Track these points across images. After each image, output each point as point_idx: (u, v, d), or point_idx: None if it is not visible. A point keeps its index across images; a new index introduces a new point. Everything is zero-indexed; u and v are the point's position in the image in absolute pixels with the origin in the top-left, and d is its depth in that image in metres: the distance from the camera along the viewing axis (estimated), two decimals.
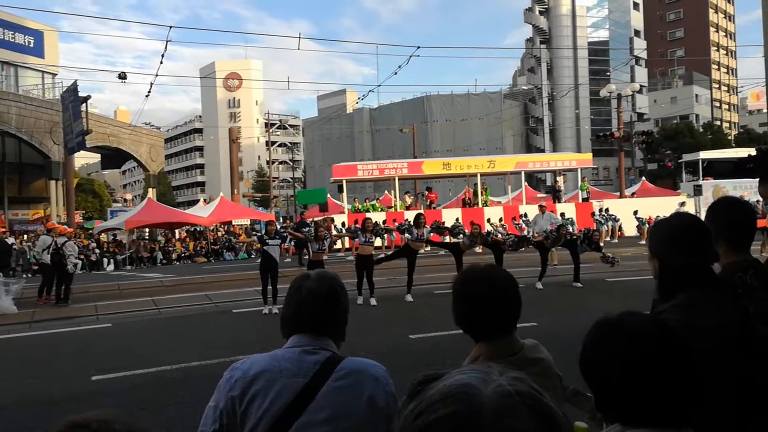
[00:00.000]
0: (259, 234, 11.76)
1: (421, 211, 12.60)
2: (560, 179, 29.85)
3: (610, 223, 25.33)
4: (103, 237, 30.31)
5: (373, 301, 11.01)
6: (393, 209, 27.89)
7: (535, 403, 0.62)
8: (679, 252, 1.69)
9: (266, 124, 54.65)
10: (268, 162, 51.66)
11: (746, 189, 25.33)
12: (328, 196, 31.85)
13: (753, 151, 1.83)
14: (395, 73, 19.75)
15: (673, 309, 1.65)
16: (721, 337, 1.58)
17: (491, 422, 0.58)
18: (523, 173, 29.69)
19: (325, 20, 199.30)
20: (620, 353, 1.15)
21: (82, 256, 22.49)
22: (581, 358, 1.22)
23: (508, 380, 0.63)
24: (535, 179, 50.77)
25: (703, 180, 31.69)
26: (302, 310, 1.73)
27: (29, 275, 21.84)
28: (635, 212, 25.05)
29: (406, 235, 11.70)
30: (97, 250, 26.51)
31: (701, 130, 59.30)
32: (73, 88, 28.94)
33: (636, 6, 70.00)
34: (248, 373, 1.67)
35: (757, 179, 2.57)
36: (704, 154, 35.86)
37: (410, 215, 25.69)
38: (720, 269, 1.85)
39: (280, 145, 79.97)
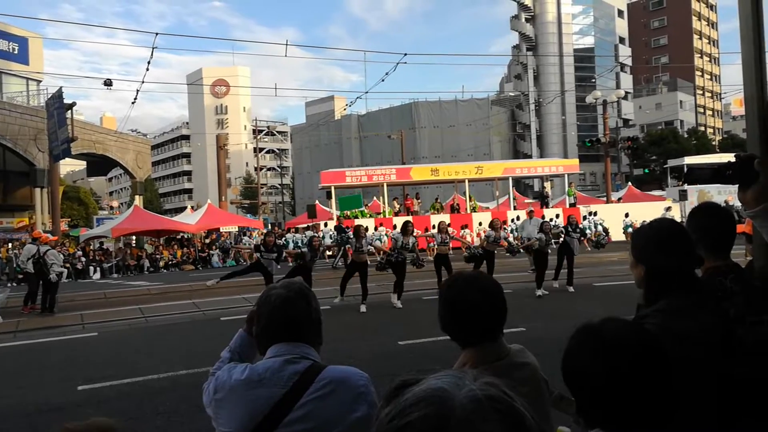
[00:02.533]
0: (256, 243, 11.67)
1: (409, 219, 12.66)
2: (547, 185, 30.09)
3: (598, 227, 25.55)
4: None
5: (362, 308, 11.03)
6: (381, 215, 27.92)
7: (505, 407, 0.63)
8: (667, 256, 1.71)
9: (254, 131, 54.51)
10: (256, 168, 51.54)
11: (730, 194, 25.67)
12: (317, 202, 31.86)
13: (732, 158, 1.86)
14: (383, 80, 19.96)
15: (655, 314, 1.67)
16: (702, 341, 1.61)
17: (460, 425, 0.60)
18: (510, 179, 29.87)
19: (312, 28, 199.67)
20: (599, 359, 1.17)
21: (67, 265, 22.28)
22: (563, 363, 1.24)
23: (480, 385, 0.65)
24: (522, 185, 51.06)
25: (690, 186, 32.04)
26: (276, 317, 1.72)
27: (14, 284, 21.58)
28: (626, 214, 25.26)
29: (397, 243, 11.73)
30: (83, 259, 26.26)
31: (686, 135, 60.04)
32: (58, 95, 28.72)
33: (621, 13, 70.79)
34: (228, 381, 1.69)
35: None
36: (689, 160, 36.28)
37: (399, 221, 25.79)
38: (701, 274, 1.88)
39: (268, 152, 79.77)
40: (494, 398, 0.64)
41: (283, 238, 27.35)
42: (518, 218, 22.40)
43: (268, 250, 10.73)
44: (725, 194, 26.75)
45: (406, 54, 17.43)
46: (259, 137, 53.31)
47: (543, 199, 29.04)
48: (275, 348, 1.71)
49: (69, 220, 43.40)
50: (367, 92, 36.17)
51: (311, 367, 1.67)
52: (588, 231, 25.29)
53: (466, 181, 28.53)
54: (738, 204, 1.82)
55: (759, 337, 1.72)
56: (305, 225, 29.59)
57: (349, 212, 27.56)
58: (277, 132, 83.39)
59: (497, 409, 0.63)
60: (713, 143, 63.05)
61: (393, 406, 0.66)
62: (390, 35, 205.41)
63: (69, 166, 69.90)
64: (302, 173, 63.88)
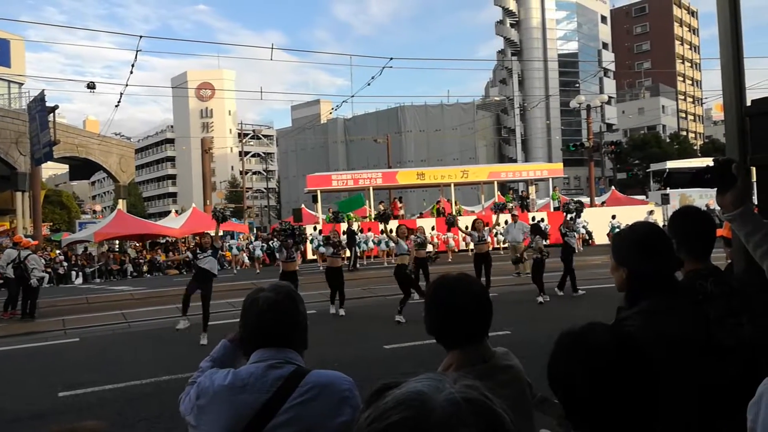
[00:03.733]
0: (193, 249, 10.64)
1: (399, 224, 12.13)
2: (531, 189, 30.29)
3: (580, 229, 25.77)
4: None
5: (341, 312, 11.00)
6: (368, 219, 27.88)
7: (484, 410, 0.64)
8: (647, 259, 1.74)
9: (239, 134, 54.19)
10: (241, 172, 51.28)
11: (711, 198, 26.02)
12: (302, 206, 31.75)
13: (711, 162, 1.89)
14: (369, 84, 19.86)
15: (635, 316, 1.69)
16: (681, 343, 1.63)
17: (439, 428, 0.61)
18: (495, 183, 30.01)
19: (298, 32, 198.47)
20: (584, 365, 1.17)
21: (49, 269, 21.97)
22: (548, 370, 1.24)
23: (460, 388, 0.66)
24: (508, 189, 51.38)
25: (671, 190, 32.40)
26: (263, 320, 1.70)
27: None
28: (613, 216, 25.41)
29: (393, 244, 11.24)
30: (65, 263, 25.92)
31: (668, 140, 60.80)
32: (41, 98, 28.39)
33: (604, 19, 71.65)
34: (210, 388, 1.67)
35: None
36: (671, 164, 36.71)
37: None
38: (682, 277, 1.90)
39: (253, 156, 79.44)
40: (473, 401, 0.64)
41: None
42: (506, 222, 22.52)
43: (203, 249, 9.94)
44: (706, 198, 27.12)
45: (392, 58, 17.51)
46: (244, 141, 53.03)
47: (523, 203, 29.18)
48: (259, 353, 1.69)
49: (51, 224, 42.80)
50: (353, 96, 36.09)
51: (295, 371, 1.66)
52: (575, 235, 25.59)
53: (452, 185, 28.61)
54: (718, 208, 1.85)
55: (738, 339, 1.75)
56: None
57: (331, 216, 27.45)
58: (263, 136, 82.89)
59: (476, 412, 0.63)
60: (695, 148, 63.90)
61: (373, 409, 0.66)
62: (376, 40, 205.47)
63: (51, 170, 68.99)
64: (288, 177, 63.69)
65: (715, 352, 1.68)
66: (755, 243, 1.76)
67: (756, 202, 2.54)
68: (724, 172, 1.78)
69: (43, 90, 28.44)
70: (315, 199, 28.16)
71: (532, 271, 11.93)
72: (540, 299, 11.27)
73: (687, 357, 1.62)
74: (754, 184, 2.27)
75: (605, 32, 71.50)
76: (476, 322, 1.70)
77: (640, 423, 1.16)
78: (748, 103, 2.35)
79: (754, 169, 2.34)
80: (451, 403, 0.63)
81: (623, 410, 1.15)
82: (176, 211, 42.73)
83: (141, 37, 15.08)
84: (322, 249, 22.64)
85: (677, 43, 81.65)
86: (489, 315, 1.73)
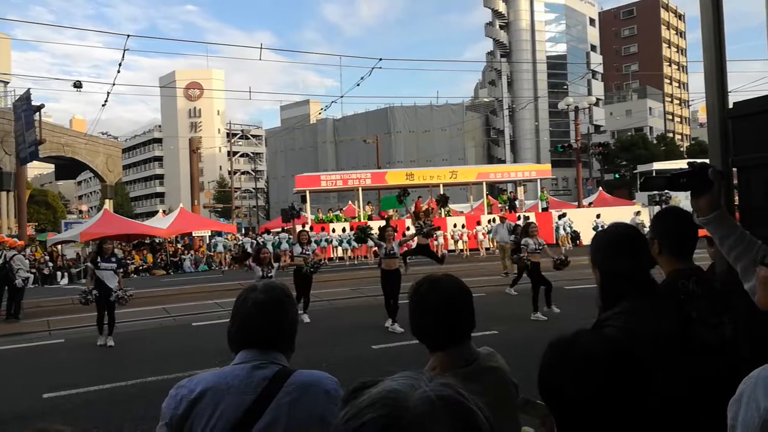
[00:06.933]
0: (92, 255, 9.04)
1: (386, 224, 10.79)
2: (520, 189, 30.45)
3: (567, 230, 25.99)
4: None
5: (306, 319, 10.37)
6: (356, 219, 27.89)
7: (457, 407, 0.66)
8: (618, 260, 1.76)
9: (228, 134, 53.93)
10: (229, 172, 51.04)
11: None
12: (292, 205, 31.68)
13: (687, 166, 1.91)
14: (358, 84, 19.83)
15: (615, 317, 1.71)
16: (660, 342, 1.64)
17: (413, 425, 0.63)
18: (484, 184, 30.13)
19: (287, 33, 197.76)
20: (576, 372, 1.15)
21: (33, 270, 21.76)
22: (539, 378, 1.21)
23: (435, 386, 0.67)
24: (496, 189, 51.58)
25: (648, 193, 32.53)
26: (249, 322, 1.69)
27: None
28: (598, 216, 25.56)
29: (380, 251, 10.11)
30: (50, 264, 25.67)
31: (655, 141, 61.30)
32: (26, 97, 28.12)
33: (592, 22, 72.14)
34: (194, 391, 1.62)
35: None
36: (658, 165, 37.01)
37: (373, 225, 25.74)
38: (664, 277, 1.92)
39: (242, 156, 79.08)
40: (447, 399, 0.66)
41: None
42: (494, 220, 22.67)
43: (105, 259, 9.20)
44: None
45: (381, 59, 17.55)
46: (233, 141, 52.79)
47: (511, 204, 29.32)
48: (243, 354, 1.68)
49: (36, 224, 42.35)
50: (342, 96, 35.97)
51: (279, 372, 1.65)
52: (563, 232, 25.80)
53: (441, 185, 28.68)
54: None
55: (720, 338, 1.77)
56: (279, 229, 29.40)
57: (324, 216, 27.44)
58: (252, 136, 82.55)
59: (450, 409, 0.65)
60: (681, 149, 64.52)
61: (349, 407, 0.68)
62: (365, 41, 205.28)
63: (37, 170, 68.36)
64: (277, 177, 63.56)
65: (697, 351, 1.70)
66: (729, 246, 1.79)
67: (737, 203, 2.57)
68: (699, 176, 1.81)
69: (29, 89, 28.13)
70: (304, 200, 28.11)
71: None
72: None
73: (667, 357, 1.63)
74: (736, 185, 2.29)
75: (593, 34, 71.99)
76: (453, 323, 1.68)
77: (631, 428, 1.14)
78: (731, 106, 2.38)
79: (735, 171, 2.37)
80: (425, 401, 0.65)
81: (615, 417, 1.13)
82: (164, 211, 42.47)
83: (128, 36, 15.04)
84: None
85: (664, 45, 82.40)
86: (467, 316, 1.71)
